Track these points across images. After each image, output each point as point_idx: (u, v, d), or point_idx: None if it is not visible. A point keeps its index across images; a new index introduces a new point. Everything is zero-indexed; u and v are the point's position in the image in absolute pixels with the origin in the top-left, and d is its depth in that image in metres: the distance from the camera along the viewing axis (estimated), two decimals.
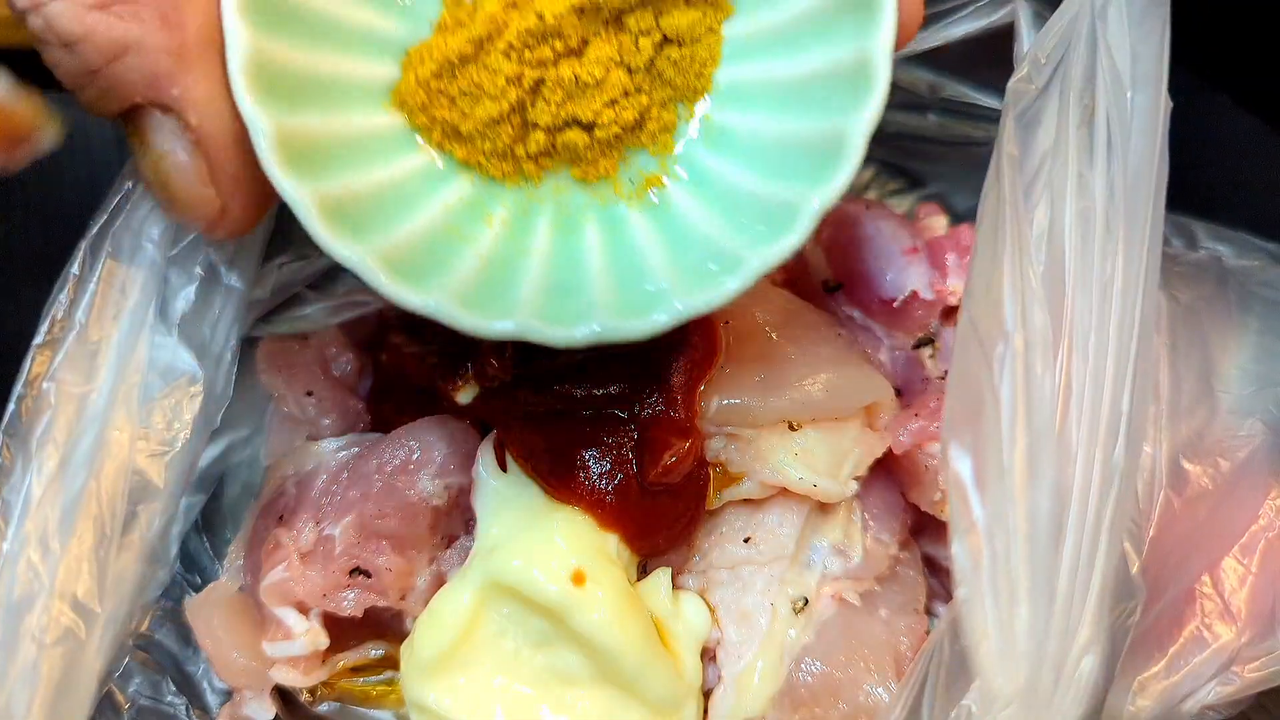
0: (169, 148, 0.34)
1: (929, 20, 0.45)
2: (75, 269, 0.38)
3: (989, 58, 0.35)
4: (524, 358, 0.44)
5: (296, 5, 0.36)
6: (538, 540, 0.41)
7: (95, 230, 0.39)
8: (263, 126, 0.33)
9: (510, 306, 0.36)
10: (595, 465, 0.43)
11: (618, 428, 0.43)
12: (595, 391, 0.44)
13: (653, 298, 0.36)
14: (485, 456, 0.45)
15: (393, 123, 0.38)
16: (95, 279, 0.39)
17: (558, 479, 0.43)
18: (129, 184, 0.39)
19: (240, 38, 0.33)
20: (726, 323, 0.45)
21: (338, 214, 0.34)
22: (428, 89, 0.37)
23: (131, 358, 0.39)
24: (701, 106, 0.39)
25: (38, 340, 0.39)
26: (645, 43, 0.38)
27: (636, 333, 0.35)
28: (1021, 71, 0.36)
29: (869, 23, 0.35)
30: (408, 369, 0.50)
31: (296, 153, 0.34)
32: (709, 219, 0.38)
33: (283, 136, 0.33)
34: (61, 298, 0.39)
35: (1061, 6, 0.37)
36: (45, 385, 0.38)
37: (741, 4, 0.39)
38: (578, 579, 0.40)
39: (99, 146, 0.50)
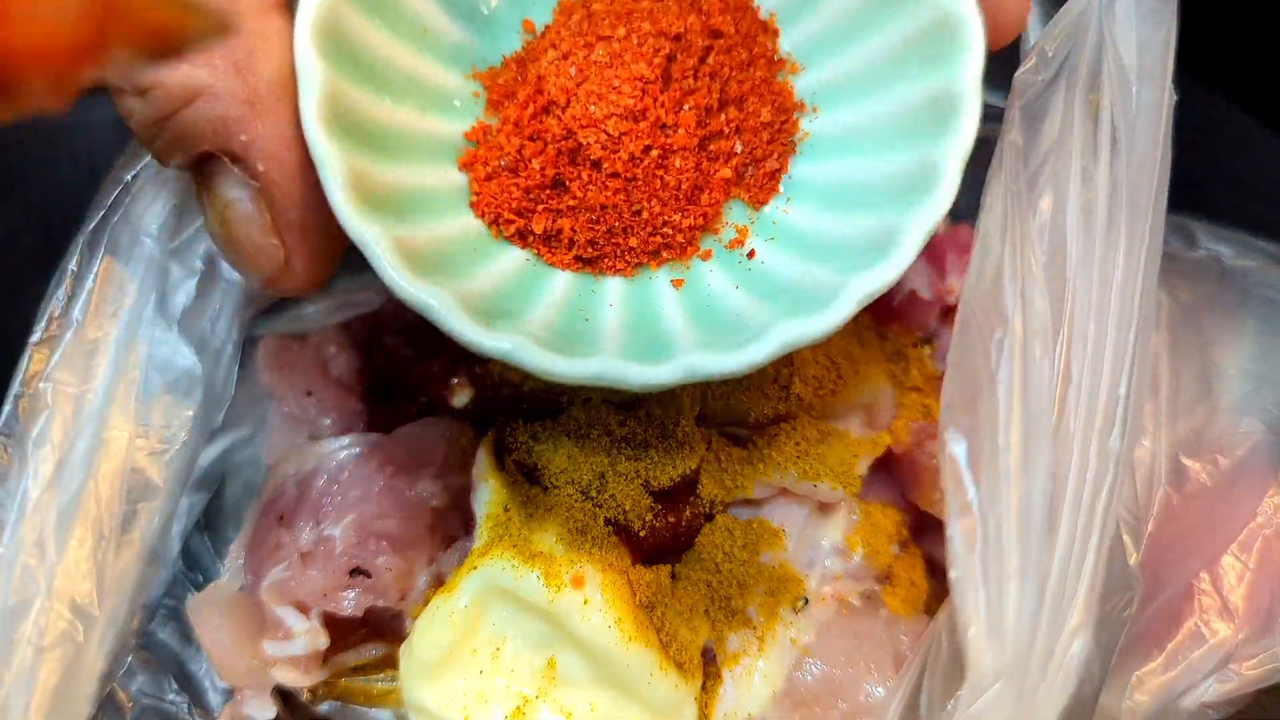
0: (234, 196, 0.34)
1: None
2: (72, 265, 0.38)
3: (990, 56, 0.36)
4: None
5: (374, 52, 0.35)
6: (536, 543, 0.41)
7: (92, 225, 0.38)
8: (335, 166, 0.32)
9: (592, 348, 0.35)
10: None
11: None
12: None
13: (744, 332, 0.34)
14: (484, 457, 0.45)
15: (463, 181, 0.38)
16: (92, 275, 0.38)
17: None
18: (126, 177, 0.39)
19: (315, 76, 0.33)
20: None
21: (409, 258, 0.33)
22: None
23: (130, 355, 0.39)
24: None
25: (35, 338, 0.38)
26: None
27: (729, 368, 0.33)
28: (1029, 63, 0.36)
29: (954, 52, 0.34)
30: (402, 371, 0.50)
31: (367, 196, 0.33)
32: (796, 265, 0.37)
33: (354, 178, 0.33)
34: (59, 295, 0.38)
35: (1069, 1, 0.37)
36: (42, 385, 0.38)
37: (811, 59, 0.39)
38: (576, 582, 0.40)
39: (98, 145, 0.49)
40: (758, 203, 0.39)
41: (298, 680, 0.44)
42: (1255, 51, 0.52)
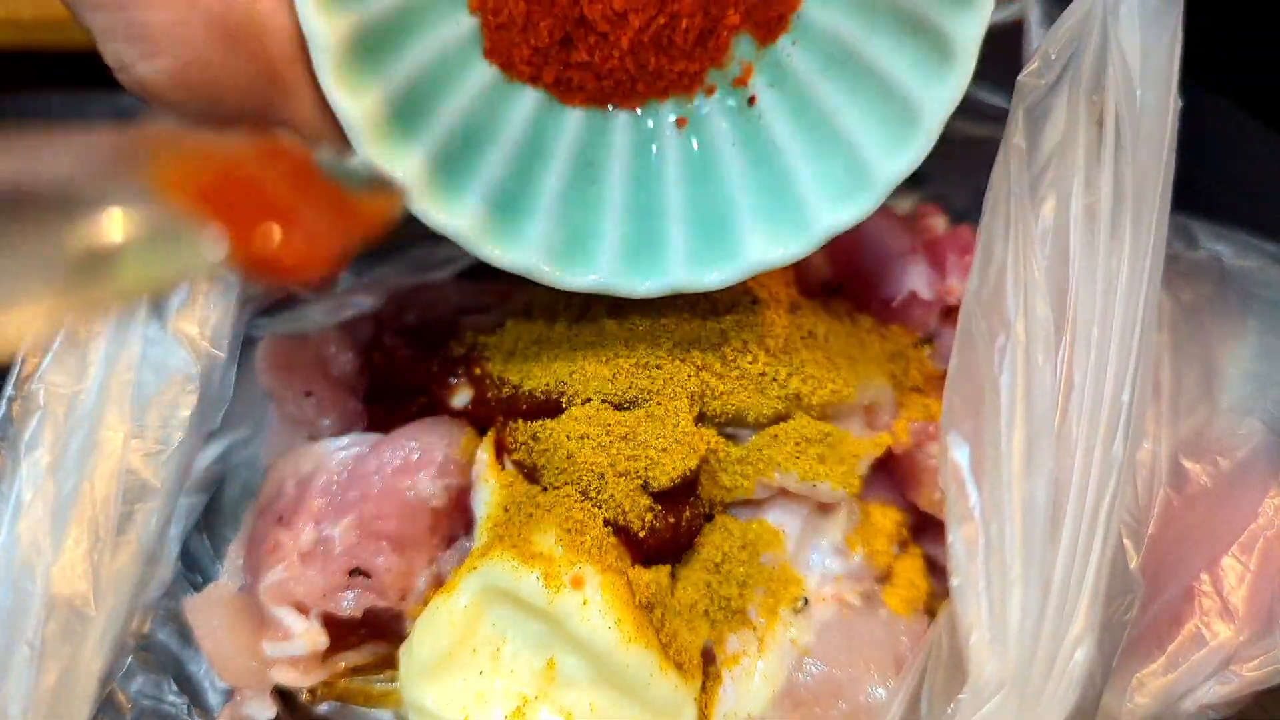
0: None
1: None
2: None
3: (991, 55, 0.35)
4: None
5: None
6: (536, 543, 0.41)
7: None
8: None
9: (592, 256, 0.40)
10: None
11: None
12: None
13: (728, 233, 0.40)
14: (484, 457, 0.45)
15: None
16: None
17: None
18: None
19: None
20: None
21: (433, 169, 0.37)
22: None
23: (122, 355, 0.39)
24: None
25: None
26: None
27: (710, 283, 0.39)
28: (1032, 66, 0.36)
29: None
30: (400, 371, 0.50)
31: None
32: (795, 136, 0.40)
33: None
34: None
35: (1073, 4, 0.37)
36: (34, 387, 0.38)
37: None
38: (576, 583, 0.40)
39: None
40: (765, 39, 0.39)
41: (297, 680, 0.44)
42: (1256, 52, 0.52)
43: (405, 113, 0.37)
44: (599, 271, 0.41)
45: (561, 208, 0.41)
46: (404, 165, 0.37)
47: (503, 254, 0.40)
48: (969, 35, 0.35)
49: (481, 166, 0.39)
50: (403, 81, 0.37)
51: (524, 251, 0.40)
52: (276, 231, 0.22)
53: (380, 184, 0.27)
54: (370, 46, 0.36)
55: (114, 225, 0.20)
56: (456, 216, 0.39)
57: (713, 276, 0.41)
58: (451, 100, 0.38)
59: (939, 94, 0.36)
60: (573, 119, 0.40)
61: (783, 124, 0.40)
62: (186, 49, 0.31)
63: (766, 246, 0.40)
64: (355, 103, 0.35)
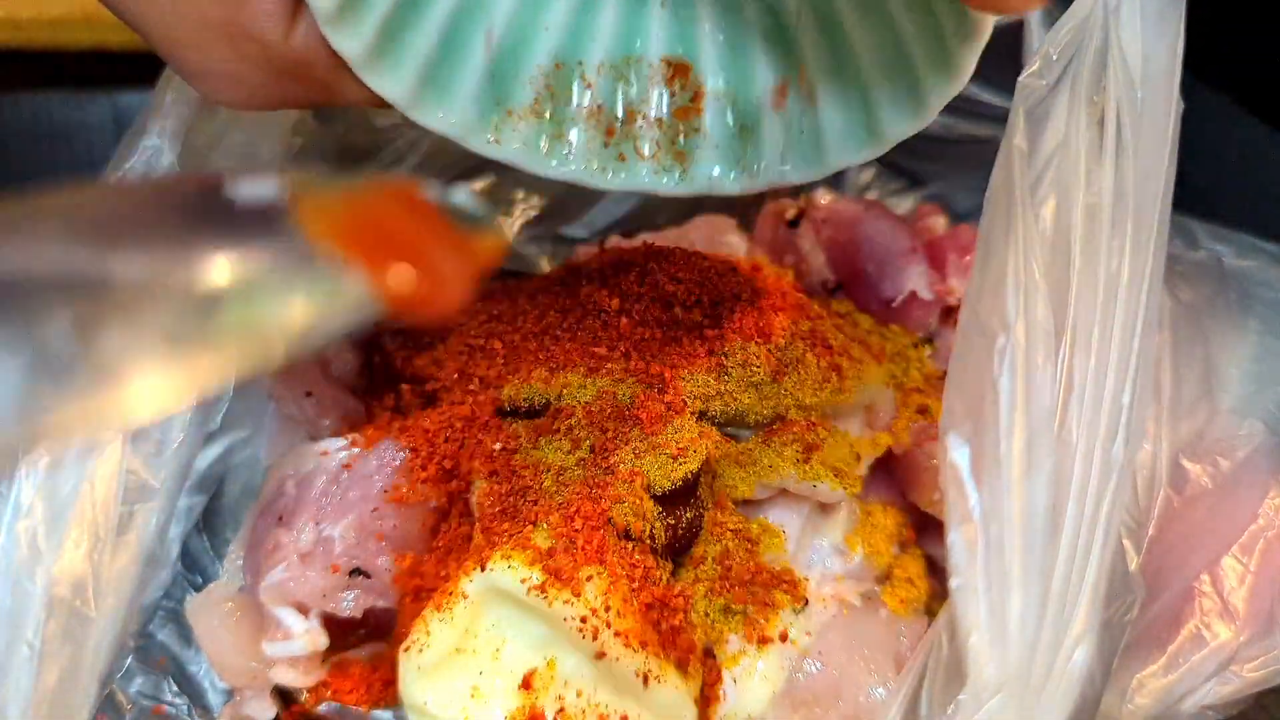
0: None
1: None
2: None
3: (992, 56, 0.35)
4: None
5: None
6: (537, 544, 0.41)
7: None
8: None
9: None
10: None
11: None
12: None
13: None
14: (484, 458, 0.45)
15: None
16: None
17: None
18: (117, 176, 0.39)
19: None
20: None
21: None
22: None
23: None
24: None
25: None
26: None
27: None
28: (1033, 67, 0.36)
29: None
30: (400, 371, 0.50)
31: None
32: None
33: None
34: None
35: (1074, 4, 0.37)
36: None
37: None
38: (576, 584, 0.40)
39: (98, 145, 0.49)
40: None
41: (297, 681, 0.44)
42: (1258, 51, 0.52)
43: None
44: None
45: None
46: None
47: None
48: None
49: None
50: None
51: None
52: (411, 270, 0.23)
53: (487, 218, 0.29)
54: None
55: (268, 273, 0.22)
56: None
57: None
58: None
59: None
60: None
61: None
62: (245, 88, 0.37)
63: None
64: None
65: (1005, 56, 0.37)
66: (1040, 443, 0.33)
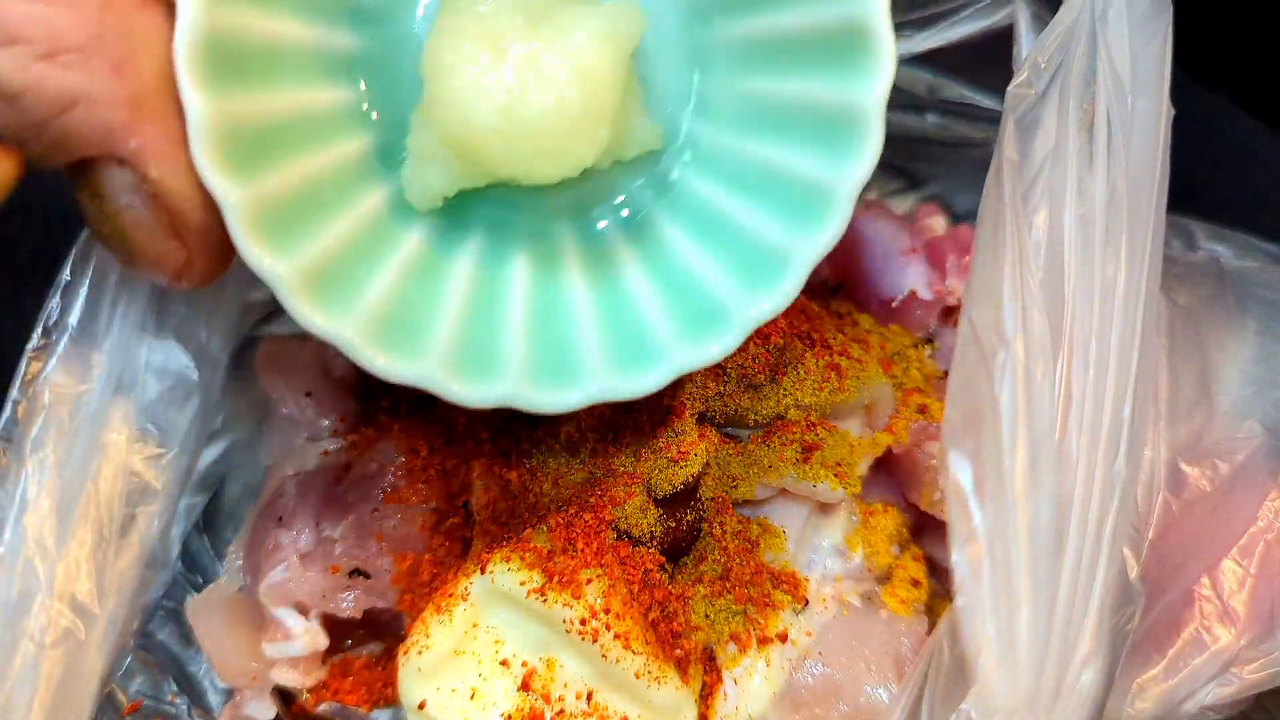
0: (127, 202, 0.32)
1: (928, 21, 0.45)
2: (68, 273, 0.38)
3: (988, 58, 0.35)
4: None
5: (250, 47, 0.33)
6: (536, 546, 0.41)
7: (88, 233, 0.38)
8: (232, 200, 0.32)
9: (497, 368, 0.36)
10: None
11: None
12: None
13: (649, 341, 0.36)
14: (484, 460, 0.45)
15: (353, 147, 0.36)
16: (87, 282, 0.39)
17: None
18: None
19: (198, 106, 0.31)
20: None
21: (314, 284, 0.33)
22: None
23: (126, 359, 0.39)
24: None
25: (32, 345, 0.38)
26: None
27: (635, 390, 0.36)
28: (1021, 76, 0.36)
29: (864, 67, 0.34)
30: None
31: (269, 219, 0.33)
32: (726, 220, 0.38)
33: (252, 206, 0.32)
34: (55, 302, 0.38)
35: (1062, 10, 0.36)
36: (39, 389, 0.38)
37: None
38: (576, 586, 0.40)
39: None
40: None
41: (297, 681, 0.45)
42: (1255, 51, 0.52)
43: (285, 221, 0.34)
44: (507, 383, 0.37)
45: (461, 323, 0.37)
46: (281, 266, 0.33)
47: (391, 365, 0.35)
48: (849, 183, 0.34)
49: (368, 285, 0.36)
50: (288, 193, 0.34)
51: (420, 363, 0.36)
52: None
53: None
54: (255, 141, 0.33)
55: None
56: (340, 324, 0.34)
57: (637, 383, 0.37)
58: (339, 222, 0.35)
59: (809, 246, 0.35)
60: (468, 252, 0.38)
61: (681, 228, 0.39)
62: (52, 37, 0.30)
63: (689, 349, 0.37)
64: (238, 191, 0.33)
65: (999, 59, 0.37)
66: (1042, 459, 0.33)
